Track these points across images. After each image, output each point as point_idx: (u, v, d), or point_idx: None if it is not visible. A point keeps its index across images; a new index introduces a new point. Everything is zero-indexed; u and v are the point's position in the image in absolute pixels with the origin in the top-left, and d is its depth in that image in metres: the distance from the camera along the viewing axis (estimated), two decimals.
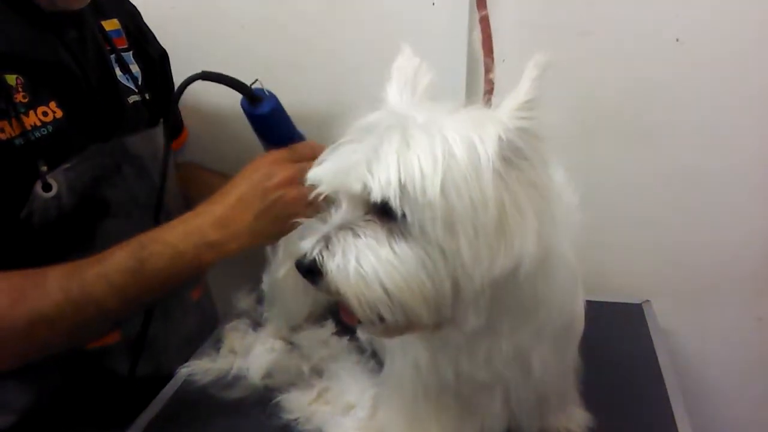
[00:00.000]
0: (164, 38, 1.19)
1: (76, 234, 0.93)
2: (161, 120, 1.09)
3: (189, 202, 1.09)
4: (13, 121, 0.85)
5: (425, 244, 0.61)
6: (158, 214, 0.94)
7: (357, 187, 0.62)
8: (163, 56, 1.19)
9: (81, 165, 0.92)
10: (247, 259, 1.27)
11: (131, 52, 1.09)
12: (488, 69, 1.09)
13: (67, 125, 0.90)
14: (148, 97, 1.08)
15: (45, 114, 0.89)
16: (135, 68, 1.08)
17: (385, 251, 0.61)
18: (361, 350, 0.99)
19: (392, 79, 0.72)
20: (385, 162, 0.60)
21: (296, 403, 0.90)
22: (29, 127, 0.86)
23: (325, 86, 1.27)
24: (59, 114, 0.90)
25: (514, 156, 0.62)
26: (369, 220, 0.63)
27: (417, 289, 0.61)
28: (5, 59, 0.87)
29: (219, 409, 0.93)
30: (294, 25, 1.26)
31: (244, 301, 1.15)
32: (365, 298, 0.61)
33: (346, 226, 0.63)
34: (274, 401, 0.92)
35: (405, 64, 0.72)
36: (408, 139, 0.61)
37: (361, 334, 0.99)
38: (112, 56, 1.04)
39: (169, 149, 0.98)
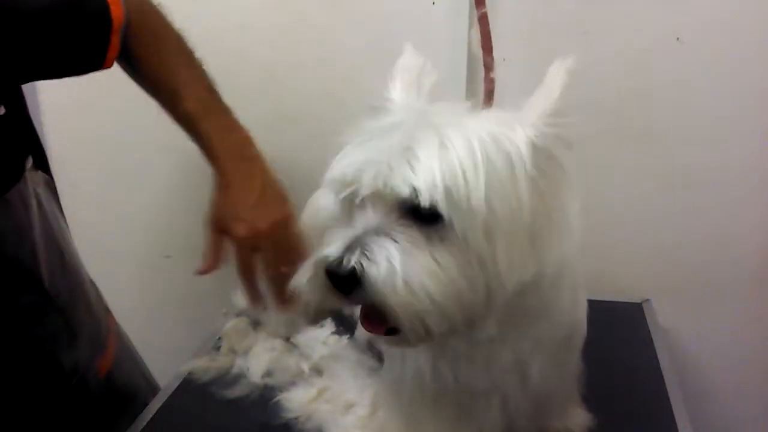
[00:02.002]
0: None
1: None
2: (25, 168, 0.83)
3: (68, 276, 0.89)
4: None
5: (465, 251, 0.58)
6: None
7: (404, 191, 0.58)
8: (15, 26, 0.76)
9: None
10: None
11: None
12: (489, 68, 1.07)
13: None
14: (2, 112, 0.80)
15: None
16: None
17: (427, 259, 0.58)
18: (360, 349, 0.99)
19: (396, 79, 0.70)
20: (428, 164, 0.57)
21: (296, 401, 0.91)
22: None
23: (324, 86, 1.27)
24: None
25: (546, 163, 0.61)
26: (405, 224, 0.59)
27: (457, 297, 0.59)
28: None
29: (219, 407, 0.93)
30: (294, 25, 1.26)
31: (244, 300, 1.15)
32: (412, 308, 0.57)
33: (381, 231, 0.59)
34: (274, 400, 0.92)
35: (409, 63, 0.70)
36: (444, 141, 0.58)
37: (360, 337, 0.99)
38: None
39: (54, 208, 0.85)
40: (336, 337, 1.02)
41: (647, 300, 1.24)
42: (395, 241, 0.58)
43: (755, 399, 1.34)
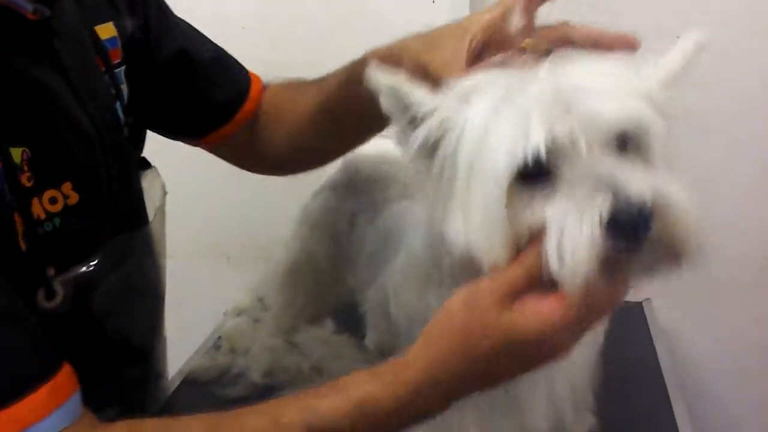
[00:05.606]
0: None
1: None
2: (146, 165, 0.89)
3: None
4: (16, 216, 0.60)
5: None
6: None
7: (625, 117, 0.56)
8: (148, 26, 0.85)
9: (99, 267, 0.69)
10: (248, 258, 1.27)
11: (123, 68, 0.79)
12: None
13: (81, 214, 0.66)
14: (132, 122, 0.80)
15: (53, 201, 0.64)
16: (125, 88, 0.80)
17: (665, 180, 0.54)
18: (360, 349, 0.99)
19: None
20: (621, 85, 0.57)
21: None
22: (35, 220, 0.62)
23: None
24: (73, 199, 0.65)
25: None
26: (620, 158, 0.56)
27: None
28: (7, 128, 0.60)
29: (219, 407, 0.92)
30: (294, 25, 1.26)
31: (244, 300, 1.15)
32: (700, 227, 0.54)
33: (614, 166, 0.54)
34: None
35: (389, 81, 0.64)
36: (602, 74, 0.58)
37: (370, 341, 0.98)
38: (107, 77, 0.75)
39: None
40: (336, 336, 1.02)
41: (647, 299, 1.24)
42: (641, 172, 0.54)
43: (755, 399, 1.35)
